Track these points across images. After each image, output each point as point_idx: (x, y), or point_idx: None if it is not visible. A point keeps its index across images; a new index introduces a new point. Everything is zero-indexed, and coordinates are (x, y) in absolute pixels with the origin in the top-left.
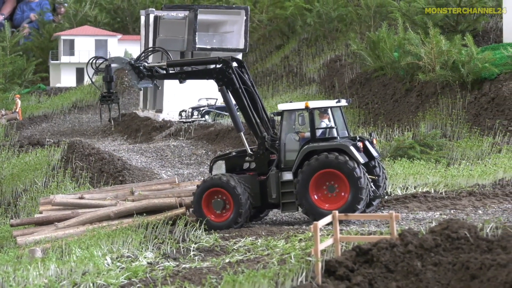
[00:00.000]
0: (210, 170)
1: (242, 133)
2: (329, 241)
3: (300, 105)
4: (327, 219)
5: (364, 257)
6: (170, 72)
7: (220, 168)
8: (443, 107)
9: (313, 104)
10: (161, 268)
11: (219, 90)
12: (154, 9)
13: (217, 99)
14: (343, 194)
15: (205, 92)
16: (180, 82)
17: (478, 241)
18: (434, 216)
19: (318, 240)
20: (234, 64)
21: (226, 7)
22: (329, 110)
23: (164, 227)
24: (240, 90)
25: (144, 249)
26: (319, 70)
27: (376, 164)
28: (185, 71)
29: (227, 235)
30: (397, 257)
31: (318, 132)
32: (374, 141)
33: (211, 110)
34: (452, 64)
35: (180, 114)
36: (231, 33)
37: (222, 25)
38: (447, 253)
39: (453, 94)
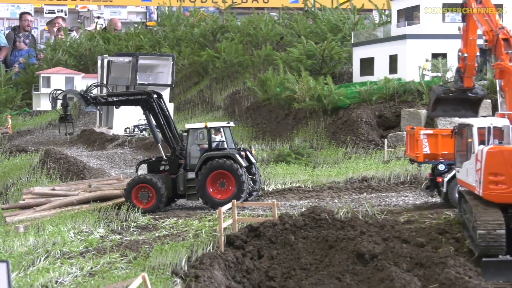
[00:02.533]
0: (136, 171)
1: (159, 144)
2: (229, 221)
3: (201, 125)
4: (228, 206)
5: (254, 232)
6: (109, 100)
7: (143, 169)
8: (311, 127)
9: (210, 124)
10: (109, 240)
11: (144, 114)
12: (107, 56)
13: None
14: (230, 188)
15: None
16: (116, 108)
17: (334, 221)
18: (304, 203)
19: (221, 220)
20: (156, 95)
21: (158, 55)
22: (221, 129)
23: (112, 211)
24: (158, 114)
25: (97, 226)
26: (224, 100)
27: (254, 168)
28: (120, 99)
29: (157, 216)
30: (277, 232)
31: (213, 144)
32: (253, 152)
33: (147, 127)
34: (317, 97)
35: (125, 130)
36: (162, 73)
37: (156, 67)
38: (312, 230)
39: (318, 118)
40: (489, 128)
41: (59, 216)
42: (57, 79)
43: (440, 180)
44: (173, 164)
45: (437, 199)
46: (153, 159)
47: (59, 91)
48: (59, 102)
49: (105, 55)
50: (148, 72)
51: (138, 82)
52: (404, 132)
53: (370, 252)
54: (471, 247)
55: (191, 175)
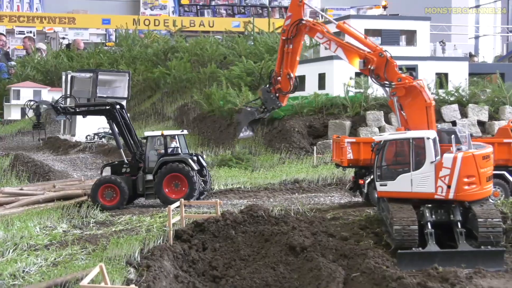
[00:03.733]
0: (101, 173)
1: (121, 150)
2: (177, 218)
3: (158, 133)
4: (176, 204)
5: (199, 227)
6: (77, 110)
7: (107, 171)
8: None
9: (166, 132)
10: (71, 234)
11: (107, 122)
12: (71, 71)
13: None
14: (183, 188)
15: (102, 123)
16: (84, 117)
17: (270, 218)
18: (243, 202)
19: (170, 217)
20: (118, 106)
21: (116, 71)
22: (176, 136)
23: (74, 208)
24: (121, 123)
25: (60, 222)
26: (174, 111)
27: (205, 171)
28: (87, 110)
29: (114, 213)
30: (219, 227)
31: (169, 150)
32: (204, 157)
33: (106, 135)
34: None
35: (86, 137)
36: (119, 87)
37: (114, 82)
38: (251, 225)
39: (256, 128)
40: (434, 139)
41: (26, 213)
42: (26, 92)
43: (362, 182)
44: (133, 167)
45: (359, 199)
46: (116, 162)
47: (32, 102)
48: (32, 112)
49: (69, 71)
50: (106, 86)
51: (98, 95)
52: (331, 140)
53: (300, 245)
54: (388, 240)
55: (149, 177)
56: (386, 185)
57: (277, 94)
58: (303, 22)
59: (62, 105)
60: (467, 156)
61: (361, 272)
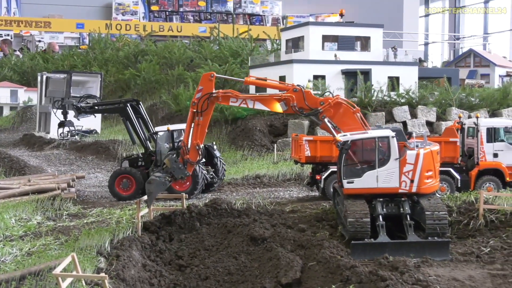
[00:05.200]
0: (120, 165)
1: (136, 145)
2: (146, 210)
3: (165, 128)
4: (145, 197)
5: (166, 219)
6: (95, 109)
7: (125, 164)
8: (214, 134)
9: (172, 127)
10: (45, 225)
11: (122, 120)
12: (46, 72)
13: (83, 126)
14: (187, 183)
15: (76, 122)
16: (102, 114)
17: (232, 210)
18: (208, 196)
19: (139, 209)
20: (134, 102)
21: (89, 73)
22: (182, 131)
23: (48, 201)
24: (133, 119)
25: (35, 214)
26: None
27: (217, 160)
28: (103, 108)
29: (85, 206)
30: (185, 220)
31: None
32: (215, 147)
33: (79, 132)
34: (220, 109)
35: (60, 135)
36: (92, 88)
37: (87, 83)
38: (214, 218)
39: (220, 126)
40: (392, 137)
41: (2, 205)
42: (3, 92)
43: (319, 177)
44: (146, 161)
45: (316, 193)
46: (134, 156)
47: (59, 101)
48: (59, 110)
49: (44, 72)
50: (80, 86)
51: (71, 95)
52: (290, 139)
53: (261, 236)
54: (342, 232)
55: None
56: (353, 182)
57: (185, 165)
58: (214, 95)
59: (82, 105)
60: (427, 152)
61: (317, 261)
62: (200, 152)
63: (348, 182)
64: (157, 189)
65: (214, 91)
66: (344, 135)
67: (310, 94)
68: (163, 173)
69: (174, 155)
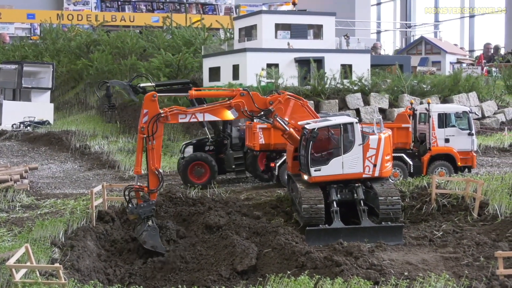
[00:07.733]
0: (182, 153)
1: (205, 128)
2: (100, 200)
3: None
4: (99, 187)
5: (121, 209)
6: (156, 89)
7: (189, 150)
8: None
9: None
10: None
11: (190, 101)
12: None
13: (35, 117)
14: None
15: (28, 112)
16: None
17: (187, 199)
18: (163, 185)
19: (93, 200)
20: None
21: (40, 63)
22: None
23: (0, 193)
24: (205, 102)
25: None
26: (97, 101)
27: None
28: (167, 88)
29: (39, 197)
30: None
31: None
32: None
33: (31, 123)
34: (174, 98)
35: (12, 126)
36: (44, 78)
37: (38, 73)
38: (170, 206)
39: None
40: (356, 123)
41: None
42: None
43: (273, 165)
44: (219, 145)
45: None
46: (195, 141)
47: (103, 83)
48: (103, 92)
49: None
50: (31, 77)
51: (23, 85)
52: (244, 126)
53: (216, 224)
54: (297, 218)
55: (236, 154)
56: (320, 170)
57: (149, 198)
58: (162, 115)
59: (141, 85)
60: (387, 136)
61: (272, 248)
62: (160, 177)
63: (315, 170)
64: (152, 236)
65: (160, 111)
66: (308, 123)
67: (258, 96)
68: (143, 225)
69: (130, 206)
